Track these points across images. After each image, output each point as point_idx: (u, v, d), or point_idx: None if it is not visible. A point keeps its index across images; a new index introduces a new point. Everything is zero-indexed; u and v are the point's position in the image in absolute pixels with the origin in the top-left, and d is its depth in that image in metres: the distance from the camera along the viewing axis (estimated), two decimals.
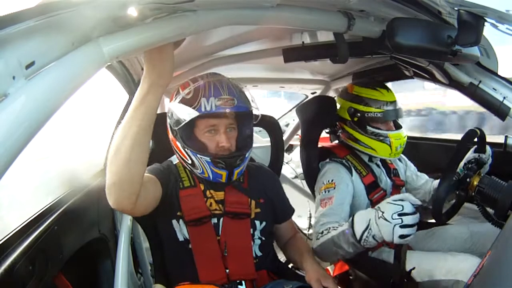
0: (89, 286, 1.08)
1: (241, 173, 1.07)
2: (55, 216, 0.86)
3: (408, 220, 0.94)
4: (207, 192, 1.08)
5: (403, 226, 0.94)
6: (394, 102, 1.42)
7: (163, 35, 0.75)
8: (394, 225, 0.94)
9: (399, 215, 0.95)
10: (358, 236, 1.05)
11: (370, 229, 1.03)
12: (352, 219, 1.10)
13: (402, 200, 0.98)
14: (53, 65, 0.55)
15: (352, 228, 1.07)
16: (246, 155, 1.05)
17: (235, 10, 0.83)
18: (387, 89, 1.46)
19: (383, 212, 0.98)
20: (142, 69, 1.43)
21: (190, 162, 1.03)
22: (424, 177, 1.62)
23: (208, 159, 0.99)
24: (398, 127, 1.47)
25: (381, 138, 1.41)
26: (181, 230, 1.03)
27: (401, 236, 0.94)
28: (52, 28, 0.54)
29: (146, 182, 0.92)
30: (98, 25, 0.64)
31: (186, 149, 1.02)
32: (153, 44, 0.76)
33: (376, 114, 1.41)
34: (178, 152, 1.06)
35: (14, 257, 0.66)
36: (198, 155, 1.00)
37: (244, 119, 1.09)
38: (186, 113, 0.97)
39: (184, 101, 0.99)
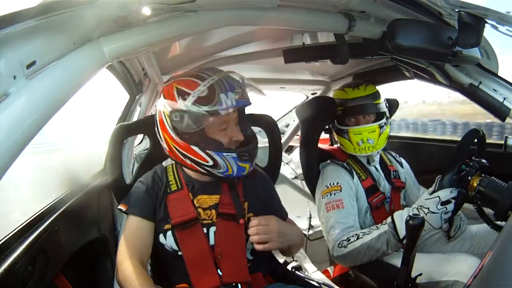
0: (89, 286, 1.08)
1: None
2: (55, 216, 0.86)
3: (449, 207, 1.11)
4: (195, 201, 1.06)
5: (446, 212, 1.11)
6: (359, 98, 1.46)
7: (163, 35, 0.75)
8: (441, 214, 1.11)
9: (441, 204, 1.10)
10: (401, 235, 1.14)
11: None
12: (393, 221, 1.17)
13: (434, 192, 1.13)
14: (54, 64, 0.55)
15: (395, 229, 1.15)
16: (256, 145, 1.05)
17: (236, 11, 0.83)
18: (353, 87, 1.50)
19: (428, 208, 1.12)
20: (143, 69, 1.45)
21: (211, 163, 0.98)
22: (418, 194, 1.61)
23: (234, 155, 0.98)
24: (378, 121, 1.46)
25: (341, 133, 1.49)
26: (168, 243, 1.03)
27: (446, 220, 1.12)
28: (53, 28, 0.54)
29: (144, 241, 1.01)
30: (99, 25, 0.64)
31: (207, 151, 0.97)
32: (153, 44, 0.76)
33: (339, 112, 1.50)
34: (193, 156, 0.98)
35: (14, 257, 0.66)
36: (224, 153, 0.97)
37: (244, 111, 1.09)
38: (208, 110, 0.92)
39: (199, 101, 0.92)
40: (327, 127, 1.67)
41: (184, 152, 0.99)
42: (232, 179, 1.07)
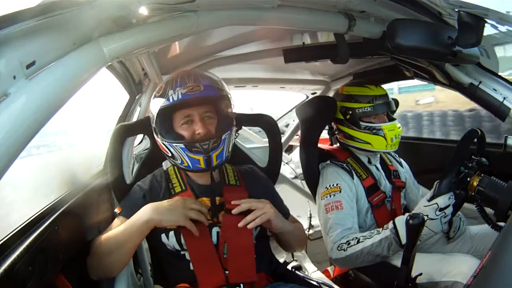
0: (89, 286, 1.08)
1: (222, 158, 1.03)
2: (55, 216, 0.86)
3: (448, 211, 1.11)
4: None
5: (445, 217, 1.11)
6: (383, 96, 1.46)
7: (163, 35, 0.75)
8: (440, 219, 1.11)
9: (440, 210, 1.10)
10: (404, 241, 1.12)
11: None
12: (395, 227, 1.16)
13: (432, 198, 1.12)
14: (54, 64, 0.55)
15: (397, 234, 1.15)
16: (222, 137, 1.02)
17: (236, 11, 0.83)
18: (376, 85, 1.49)
19: (427, 215, 1.10)
20: (143, 69, 1.45)
21: (170, 154, 1.04)
22: (418, 193, 1.62)
23: (182, 145, 0.99)
24: (391, 119, 1.49)
25: (374, 131, 1.44)
26: (170, 243, 1.02)
27: (445, 223, 1.12)
28: (53, 28, 0.54)
29: None
30: (99, 25, 0.64)
31: (164, 142, 1.03)
32: (153, 44, 0.76)
33: (366, 109, 1.45)
34: (161, 149, 1.07)
35: (14, 257, 0.65)
36: (174, 144, 1.00)
37: (219, 104, 1.09)
38: (156, 108, 1.02)
39: (156, 99, 1.05)
40: (327, 127, 1.67)
41: (159, 146, 1.08)
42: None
